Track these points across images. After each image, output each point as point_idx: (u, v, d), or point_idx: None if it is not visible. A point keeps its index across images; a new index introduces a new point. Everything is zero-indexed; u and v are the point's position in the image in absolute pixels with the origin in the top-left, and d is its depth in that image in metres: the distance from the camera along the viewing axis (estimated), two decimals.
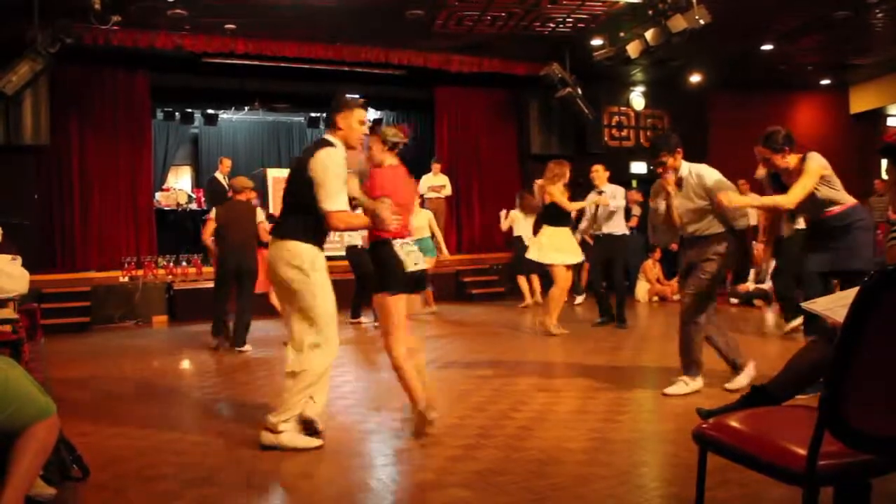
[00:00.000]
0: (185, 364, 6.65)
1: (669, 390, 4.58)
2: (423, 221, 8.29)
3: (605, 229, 7.78)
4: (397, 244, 3.81)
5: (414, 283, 3.92)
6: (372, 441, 3.95)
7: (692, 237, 4.58)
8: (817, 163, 4.17)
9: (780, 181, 4.42)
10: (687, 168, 4.54)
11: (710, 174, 4.48)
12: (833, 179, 4.22)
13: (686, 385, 4.58)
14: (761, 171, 5.63)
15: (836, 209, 4.19)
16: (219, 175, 10.01)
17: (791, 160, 4.18)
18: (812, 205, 4.22)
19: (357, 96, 3.95)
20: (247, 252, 6.97)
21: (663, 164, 4.53)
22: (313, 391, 3.70)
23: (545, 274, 7.90)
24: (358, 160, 4.16)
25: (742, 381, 4.60)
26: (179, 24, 9.43)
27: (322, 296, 3.66)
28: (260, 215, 7.20)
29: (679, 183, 4.54)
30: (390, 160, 3.99)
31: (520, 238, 9.79)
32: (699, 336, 4.58)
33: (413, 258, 3.85)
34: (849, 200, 4.24)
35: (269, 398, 4.89)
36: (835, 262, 4.21)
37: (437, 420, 3.83)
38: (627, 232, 8.25)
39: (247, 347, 6.92)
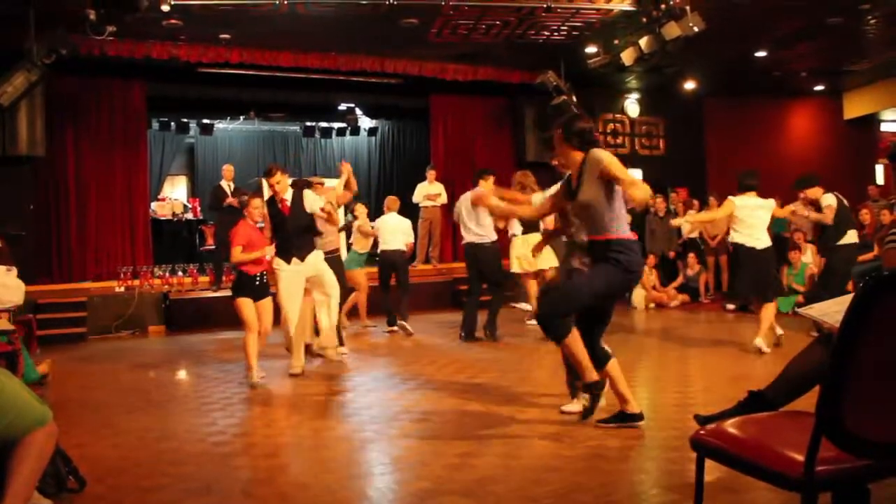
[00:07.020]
0: (182, 374, 6.63)
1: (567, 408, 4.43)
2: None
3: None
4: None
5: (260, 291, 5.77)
6: (370, 450, 3.94)
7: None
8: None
9: None
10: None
11: None
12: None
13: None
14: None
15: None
16: (223, 183, 10.01)
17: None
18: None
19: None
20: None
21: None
22: None
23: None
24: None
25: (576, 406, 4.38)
26: (175, 35, 9.43)
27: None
28: None
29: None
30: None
31: None
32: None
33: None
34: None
35: (269, 403, 4.88)
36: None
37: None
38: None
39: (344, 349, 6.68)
